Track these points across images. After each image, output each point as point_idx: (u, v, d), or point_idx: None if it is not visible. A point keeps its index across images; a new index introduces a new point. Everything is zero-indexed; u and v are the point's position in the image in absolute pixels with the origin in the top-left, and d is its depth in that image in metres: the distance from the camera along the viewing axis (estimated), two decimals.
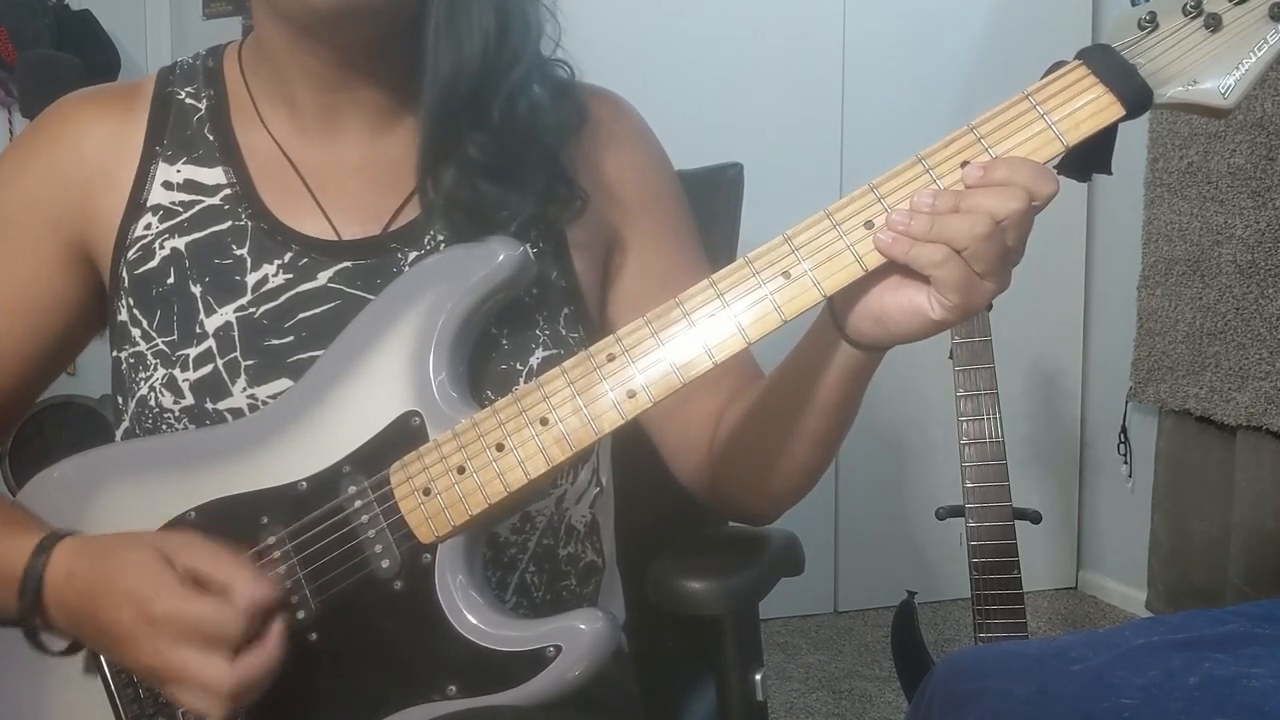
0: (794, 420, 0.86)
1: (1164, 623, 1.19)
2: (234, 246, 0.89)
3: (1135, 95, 0.72)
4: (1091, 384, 3.04)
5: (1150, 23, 0.73)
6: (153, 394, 0.87)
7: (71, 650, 0.84)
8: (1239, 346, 2.36)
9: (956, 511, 1.91)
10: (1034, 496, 2.81)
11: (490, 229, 0.85)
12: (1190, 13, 0.72)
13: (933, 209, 0.71)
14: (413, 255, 0.89)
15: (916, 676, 1.87)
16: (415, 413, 0.80)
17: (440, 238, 0.88)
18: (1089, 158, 0.74)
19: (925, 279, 0.72)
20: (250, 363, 0.87)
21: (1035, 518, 1.96)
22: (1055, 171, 0.74)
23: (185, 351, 0.88)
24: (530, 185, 0.87)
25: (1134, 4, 0.74)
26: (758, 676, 0.99)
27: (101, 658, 0.84)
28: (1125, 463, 2.84)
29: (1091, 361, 3.03)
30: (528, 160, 0.87)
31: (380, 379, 0.81)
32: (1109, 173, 0.76)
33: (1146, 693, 0.99)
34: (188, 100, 0.94)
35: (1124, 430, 2.80)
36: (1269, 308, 2.29)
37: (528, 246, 0.84)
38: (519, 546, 0.89)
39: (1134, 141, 2.59)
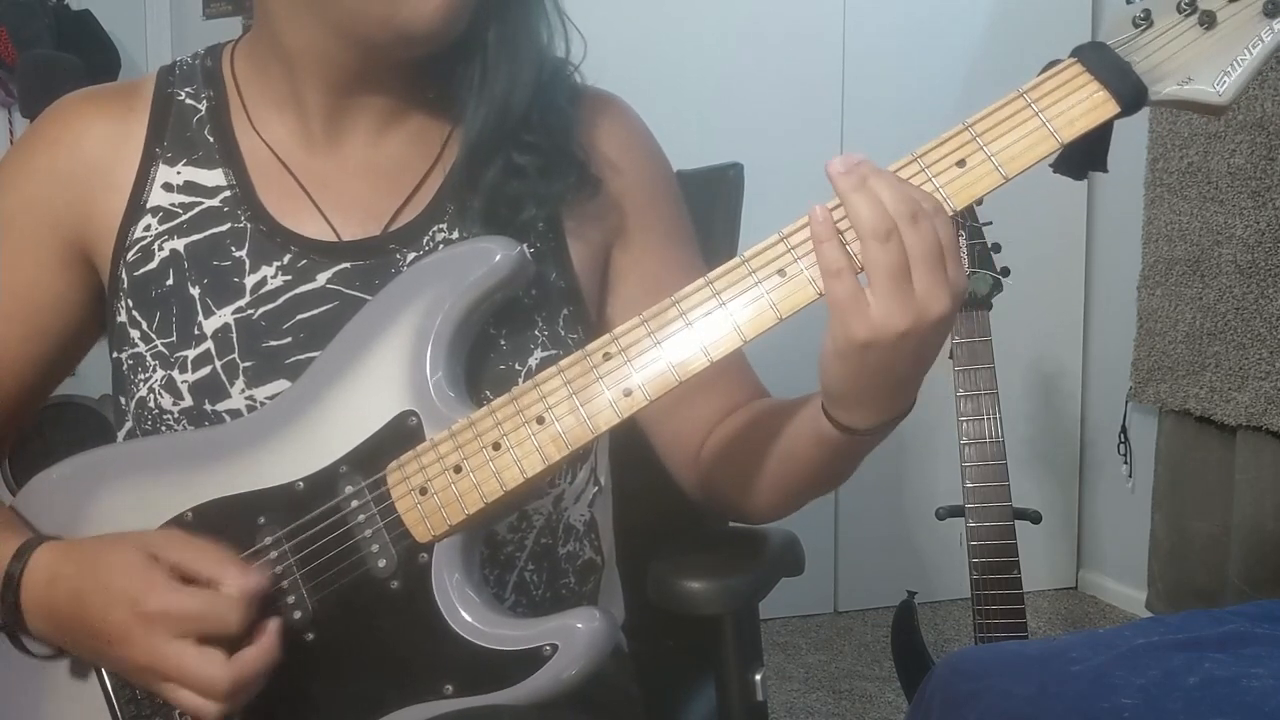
0: (771, 463, 0.88)
1: (1164, 623, 1.18)
2: (233, 248, 0.89)
3: (1130, 92, 0.72)
4: (1091, 384, 3.04)
5: (1145, 20, 0.73)
6: (152, 395, 0.87)
7: (57, 655, 0.84)
8: (1239, 346, 2.36)
9: (956, 511, 1.91)
10: (1034, 496, 2.80)
11: (517, 225, 0.87)
12: (1185, 10, 0.72)
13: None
14: (411, 256, 0.89)
15: (916, 676, 1.87)
16: (412, 412, 0.80)
17: (454, 235, 0.89)
18: (1085, 155, 0.74)
19: None
20: (248, 364, 0.87)
21: (1035, 518, 1.95)
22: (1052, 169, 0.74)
23: (184, 353, 0.88)
24: (557, 179, 0.89)
25: (1129, 1, 0.74)
26: (758, 676, 0.99)
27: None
28: (1125, 463, 2.84)
29: (1091, 361, 3.03)
30: (555, 158, 0.89)
31: (377, 379, 0.81)
32: (1105, 170, 0.76)
33: (1146, 693, 0.99)
34: (187, 101, 0.93)
35: (1124, 430, 2.80)
36: (1269, 308, 2.28)
37: (525, 246, 0.84)
38: (516, 545, 0.89)
39: (1134, 141, 2.59)
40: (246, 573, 0.77)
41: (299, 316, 0.88)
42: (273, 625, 0.77)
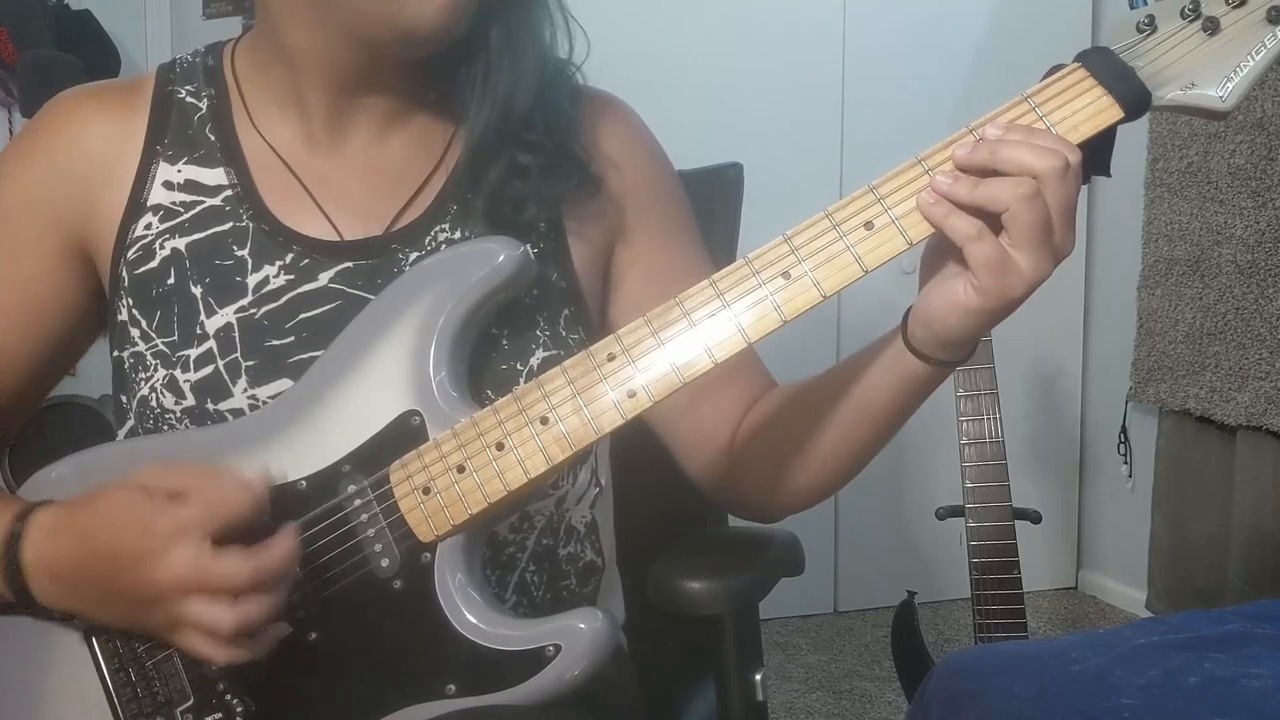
0: (840, 423, 0.87)
1: (1164, 623, 1.19)
2: (235, 247, 0.89)
3: (1134, 97, 0.72)
4: (1091, 384, 3.04)
5: (1149, 25, 0.73)
6: (154, 394, 0.87)
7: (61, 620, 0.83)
8: (1239, 346, 2.36)
9: (956, 511, 1.91)
10: (1034, 496, 2.80)
11: (519, 225, 0.87)
12: (1188, 15, 0.72)
13: (969, 160, 0.72)
14: (414, 256, 0.89)
15: (916, 676, 1.87)
16: (415, 412, 0.80)
17: (457, 235, 0.90)
18: (1088, 160, 0.74)
19: (965, 267, 0.73)
20: (251, 363, 0.87)
21: (1035, 518, 1.96)
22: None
23: (186, 352, 0.88)
24: (559, 179, 0.89)
25: (1132, 7, 0.74)
26: (758, 676, 0.99)
27: (100, 658, 0.84)
28: (1125, 463, 2.84)
29: (1091, 361, 3.03)
30: (558, 158, 0.89)
31: (380, 378, 0.81)
32: (1108, 175, 0.76)
33: (1146, 693, 0.99)
34: (188, 99, 0.93)
35: (1124, 430, 2.80)
36: (1269, 308, 2.29)
37: (528, 246, 0.84)
38: (517, 545, 0.90)
39: (1134, 142, 2.59)
40: (238, 470, 0.78)
41: (301, 316, 0.88)
42: (290, 528, 0.76)
